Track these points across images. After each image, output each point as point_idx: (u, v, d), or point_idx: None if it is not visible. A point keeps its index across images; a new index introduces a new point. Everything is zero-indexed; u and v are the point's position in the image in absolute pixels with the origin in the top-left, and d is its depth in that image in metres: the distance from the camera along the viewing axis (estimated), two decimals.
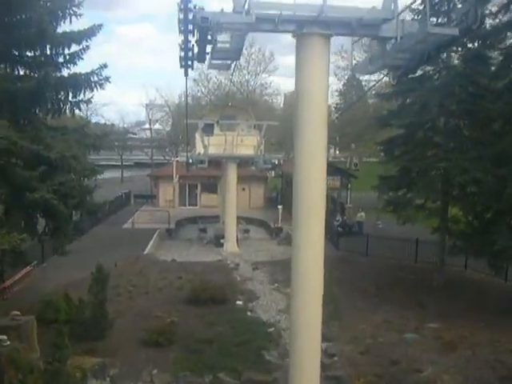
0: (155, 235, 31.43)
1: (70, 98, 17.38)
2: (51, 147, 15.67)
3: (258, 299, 19.69)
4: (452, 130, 20.34)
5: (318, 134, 9.98)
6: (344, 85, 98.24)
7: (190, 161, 27.08)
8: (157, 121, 70.98)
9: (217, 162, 32.56)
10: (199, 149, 28.58)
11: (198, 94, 59.83)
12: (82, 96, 17.38)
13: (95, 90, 17.20)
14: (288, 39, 9.76)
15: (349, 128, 47.84)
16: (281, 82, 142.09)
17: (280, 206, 34.76)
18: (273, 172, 34.06)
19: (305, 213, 10.39)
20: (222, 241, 30.36)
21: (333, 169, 34.63)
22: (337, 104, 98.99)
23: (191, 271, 22.78)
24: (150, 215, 35.30)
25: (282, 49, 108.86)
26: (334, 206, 37.61)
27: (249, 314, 18.14)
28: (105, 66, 17.22)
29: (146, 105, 66.26)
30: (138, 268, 23.47)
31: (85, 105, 18.01)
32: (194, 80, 58.84)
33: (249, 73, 58.84)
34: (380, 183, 22.77)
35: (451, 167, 18.32)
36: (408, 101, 21.83)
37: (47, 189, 15.05)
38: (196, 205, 44.25)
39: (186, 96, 28.84)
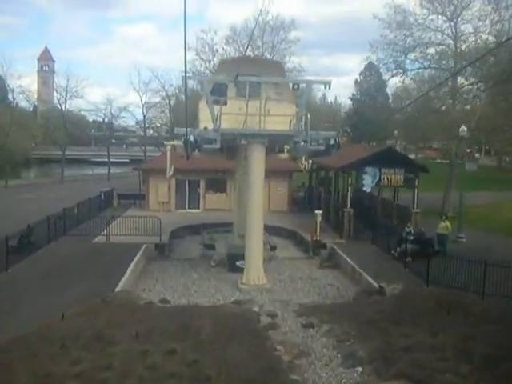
0: (138, 255, 21.05)
1: None
2: None
3: None
4: None
5: None
6: (361, 73, 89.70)
7: (192, 139, 16.66)
8: (152, 107, 61.02)
9: (229, 149, 22.26)
10: (205, 123, 18.17)
11: (201, 69, 49.23)
12: None
13: None
14: None
15: None
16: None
17: (319, 212, 24.38)
18: (309, 163, 23.60)
19: None
20: (239, 264, 20.11)
21: (394, 158, 24.34)
22: (353, 94, 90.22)
23: (193, 333, 12.40)
24: (135, 223, 24.94)
25: None
26: (387, 210, 27.29)
27: None
28: None
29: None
30: (98, 325, 13.07)
31: None
32: (197, 53, 48.63)
33: (264, 44, 47.96)
34: None
35: None
36: None
37: None
38: (198, 208, 33.81)
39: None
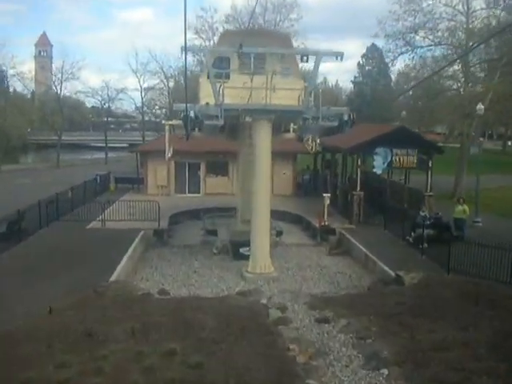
0: (136, 241, 19.69)
1: None
2: None
3: None
4: None
5: None
6: (363, 56, 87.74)
7: (192, 114, 15.14)
8: (150, 89, 59.42)
9: (232, 128, 20.81)
10: (206, 100, 16.66)
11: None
12: None
13: None
14: None
15: None
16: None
17: (327, 195, 22.97)
18: (316, 143, 22.08)
19: None
20: (243, 251, 18.79)
21: (406, 138, 22.87)
22: (355, 77, 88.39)
23: (195, 330, 11.05)
24: (133, 208, 23.53)
25: None
26: (398, 194, 25.89)
27: None
28: None
29: None
30: (89, 320, 11.72)
31: None
32: (196, 32, 46.83)
33: (265, 22, 46.00)
34: None
35: None
36: None
37: None
38: (199, 192, 32.36)
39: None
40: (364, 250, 18.98)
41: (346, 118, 16.01)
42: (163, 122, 27.17)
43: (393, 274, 15.83)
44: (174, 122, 21.94)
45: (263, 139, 16.76)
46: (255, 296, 14.20)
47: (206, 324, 11.31)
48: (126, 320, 11.71)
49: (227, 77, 17.01)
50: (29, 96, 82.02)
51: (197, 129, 21.00)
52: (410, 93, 45.35)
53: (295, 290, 15.37)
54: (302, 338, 11.16)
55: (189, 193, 32.10)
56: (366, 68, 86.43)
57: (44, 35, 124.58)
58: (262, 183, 16.87)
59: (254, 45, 16.82)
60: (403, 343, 10.69)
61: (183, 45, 14.76)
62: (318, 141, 21.85)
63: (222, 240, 20.65)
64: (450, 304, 12.93)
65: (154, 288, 15.51)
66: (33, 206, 21.53)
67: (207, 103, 15.97)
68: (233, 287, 15.87)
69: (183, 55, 14.42)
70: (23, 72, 63.80)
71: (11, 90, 74.62)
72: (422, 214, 20.76)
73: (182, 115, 15.41)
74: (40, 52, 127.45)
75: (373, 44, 78.38)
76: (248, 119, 17.17)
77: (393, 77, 75.66)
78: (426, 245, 18.70)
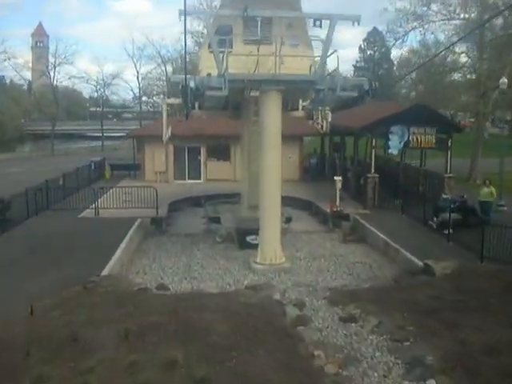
0: (131, 230, 17.93)
1: None
2: None
3: None
4: None
5: None
6: (365, 40, 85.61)
7: (192, 85, 13.24)
8: (147, 73, 57.56)
9: (235, 105, 19.04)
10: (207, 71, 14.77)
11: (199, 29, 45.15)
12: None
13: None
14: None
15: None
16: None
17: (339, 178, 21.18)
18: (327, 122, 20.26)
19: None
20: (250, 239, 17.09)
21: (424, 116, 21.02)
22: (356, 62, 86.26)
23: (199, 331, 9.31)
24: (128, 194, 21.71)
25: None
26: (414, 176, 24.13)
27: None
28: None
29: None
30: (77, 320, 9.99)
31: None
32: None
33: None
34: None
35: None
36: None
37: None
38: (199, 178, 30.52)
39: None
40: (383, 236, 17.24)
41: (366, 87, 14.15)
42: (161, 102, 25.32)
43: (420, 263, 14.10)
44: (172, 100, 20.17)
45: (272, 114, 14.92)
46: (267, 291, 12.44)
47: (213, 326, 9.57)
48: (118, 321, 9.99)
49: (230, 45, 15.19)
50: (25, 87, 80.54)
51: (197, 107, 19.42)
52: (413, 75, 43.54)
53: (311, 283, 13.63)
54: (327, 342, 9.42)
55: (189, 179, 30.23)
56: (368, 52, 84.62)
57: (40, 26, 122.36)
58: (272, 163, 15.06)
59: (260, 8, 15.01)
60: (448, 346, 8.96)
61: (183, 9, 13.18)
62: (330, 119, 20.05)
63: (226, 228, 18.91)
64: (493, 297, 11.21)
65: (152, 282, 13.79)
66: (20, 195, 19.76)
67: (209, 74, 14.09)
68: (240, 280, 14.13)
69: (183, 31, 12.72)
70: (18, 63, 62.27)
71: (8, 81, 73.55)
72: (444, 196, 19.06)
73: (182, 87, 13.53)
74: (37, 43, 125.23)
75: (374, 28, 76.57)
76: (254, 94, 15.35)
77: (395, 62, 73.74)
78: (450, 230, 16.97)
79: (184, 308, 10.66)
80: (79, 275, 12.91)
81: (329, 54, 14.35)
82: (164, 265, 15.81)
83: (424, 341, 9.30)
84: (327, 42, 14.31)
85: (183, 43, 14.22)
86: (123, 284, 13.05)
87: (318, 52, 15.33)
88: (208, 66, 15.28)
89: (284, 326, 9.93)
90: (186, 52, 13.60)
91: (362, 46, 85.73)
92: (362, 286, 13.20)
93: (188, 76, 13.78)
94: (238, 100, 17.74)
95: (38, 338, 9.35)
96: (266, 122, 15.07)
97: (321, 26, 14.88)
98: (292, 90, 15.50)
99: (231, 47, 15.18)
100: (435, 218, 18.06)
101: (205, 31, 42.14)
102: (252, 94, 15.36)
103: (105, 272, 13.41)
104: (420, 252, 15.01)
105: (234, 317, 10.06)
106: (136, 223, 18.94)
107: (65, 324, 9.96)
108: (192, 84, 13.09)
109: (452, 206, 17.65)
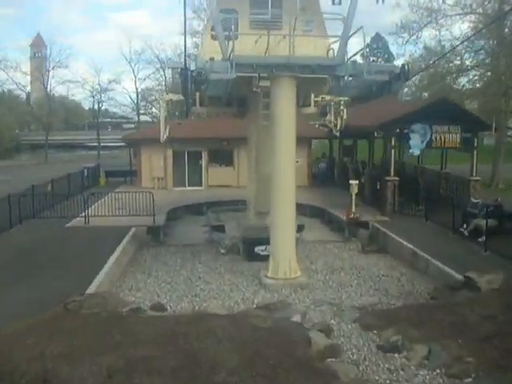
0: (125, 241, 15.91)
1: None
2: None
3: None
4: None
5: None
6: (367, 46, 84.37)
7: (192, 68, 11.28)
8: (146, 77, 56.12)
9: (240, 101, 17.20)
10: (210, 55, 12.84)
11: (199, 29, 43.51)
12: None
13: None
14: None
15: None
16: None
17: (355, 182, 19.21)
18: (342, 119, 18.29)
19: None
20: (258, 250, 15.09)
21: (447, 112, 19.08)
22: None
23: (203, 367, 7.28)
24: (122, 203, 19.71)
25: None
26: (436, 180, 22.20)
27: None
28: None
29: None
30: (51, 352, 7.96)
31: None
32: (194, 11, 43.17)
33: None
34: None
35: None
36: None
37: None
38: (200, 184, 28.50)
39: None
40: (409, 245, 15.22)
41: (397, 70, 12.18)
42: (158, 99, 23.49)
43: (459, 276, 12.06)
44: (171, 95, 18.28)
45: (286, 105, 12.96)
46: (283, 311, 10.37)
47: (220, 359, 7.54)
48: (102, 353, 7.96)
49: (236, 27, 13.30)
50: (23, 96, 79.62)
51: (198, 103, 17.57)
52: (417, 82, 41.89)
53: (334, 301, 11.60)
54: (367, 380, 7.36)
55: (189, 185, 28.20)
56: (371, 59, 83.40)
57: (39, 36, 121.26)
58: (287, 161, 13.08)
59: None
60: None
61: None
62: (345, 116, 18.11)
63: (231, 237, 16.94)
64: None
65: (146, 301, 11.75)
66: (1, 201, 17.81)
67: (212, 58, 12.14)
68: (250, 298, 12.08)
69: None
70: (16, 74, 61.70)
71: (5, 90, 72.75)
72: (474, 201, 17.07)
73: (181, 71, 11.58)
74: (35, 53, 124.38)
75: (377, 33, 75.35)
76: (264, 83, 13.44)
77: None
78: (484, 237, 15.01)
79: (184, 335, 8.60)
80: (62, 292, 10.88)
81: (351, 33, 12.38)
82: (161, 280, 13.77)
83: (490, 376, 7.29)
84: (349, 19, 12.38)
85: (183, 44, 12.61)
86: (112, 303, 10.98)
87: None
88: (211, 51, 13.36)
89: (309, 358, 7.87)
90: (185, 28, 11.66)
91: (365, 52, 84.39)
92: (395, 305, 11.16)
93: (189, 61, 11.88)
94: (244, 94, 15.85)
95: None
96: (279, 114, 13.11)
97: (340, 3, 13.06)
98: (307, 80, 13.52)
99: (237, 29, 13.30)
100: (465, 225, 16.10)
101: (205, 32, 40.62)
102: (262, 83, 13.47)
103: (91, 289, 11.38)
104: (454, 263, 13.04)
105: (245, 346, 8.02)
106: (130, 232, 16.99)
107: (35, 358, 7.95)
108: (193, 66, 11.12)
109: (486, 210, 15.66)
